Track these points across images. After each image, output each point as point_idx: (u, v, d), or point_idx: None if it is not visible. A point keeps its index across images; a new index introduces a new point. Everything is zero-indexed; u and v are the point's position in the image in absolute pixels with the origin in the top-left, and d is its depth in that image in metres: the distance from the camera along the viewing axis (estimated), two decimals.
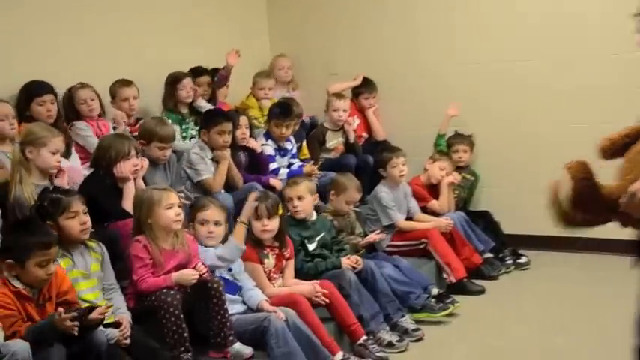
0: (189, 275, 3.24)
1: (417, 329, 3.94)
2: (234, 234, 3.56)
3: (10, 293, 2.80)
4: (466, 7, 5.44)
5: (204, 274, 3.27)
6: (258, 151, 4.63)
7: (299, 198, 4.02)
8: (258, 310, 3.49)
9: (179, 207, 3.38)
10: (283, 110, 4.83)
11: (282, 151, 4.89)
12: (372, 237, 4.43)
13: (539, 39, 5.18)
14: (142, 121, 4.43)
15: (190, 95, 4.84)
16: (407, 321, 3.99)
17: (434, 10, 5.54)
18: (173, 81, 4.82)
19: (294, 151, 4.96)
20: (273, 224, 3.72)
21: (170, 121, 4.54)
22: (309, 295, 3.62)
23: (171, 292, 3.16)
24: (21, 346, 2.60)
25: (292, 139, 4.99)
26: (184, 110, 4.87)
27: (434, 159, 5.21)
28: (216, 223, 3.60)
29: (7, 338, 2.69)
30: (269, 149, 4.80)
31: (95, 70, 4.54)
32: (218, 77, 5.14)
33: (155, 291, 3.18)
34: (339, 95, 5.36)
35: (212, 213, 3.59)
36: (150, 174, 3.94)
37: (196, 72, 5.07)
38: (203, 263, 3.37)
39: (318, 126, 5.43)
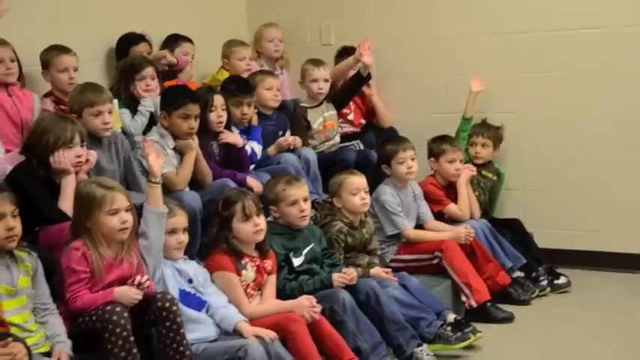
0: (132, 293, 3.25)
1: None
2: (148, 199, 3.54)
3: None
4: None
5: (146, 288, 3.29)
6: (240, 145, 4.67)
7: (305, 200, 4.07)
8: (235, 333, 3.51)
9: (127, 211, 3.39)
10: (241, 84, 4.89)
11: (249, 137, 4.90)
12: (381, 273, 4.33)
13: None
14: None
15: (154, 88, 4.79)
16: (424, 352, 4.02)
17: None
18: (130, 69, 4.78)
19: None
20: (264, 222, 3.79)
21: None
22: (301, 311, 3.64)
23: (117, 308, 3.17)
24: None
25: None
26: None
27: (438, 152, 5.17)
28: (184, 231, 3.66)
29: None
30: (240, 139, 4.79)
31: (18, 27, 4.52)
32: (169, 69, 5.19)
33: (94, 310, 3.19)
34: (317, 62, 5.38)
35: (180, 219, 3.65)
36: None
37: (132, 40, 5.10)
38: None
39: (296, 109, 5.46)
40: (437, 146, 5.19)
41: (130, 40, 5.11)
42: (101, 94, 4.11)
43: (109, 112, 4.11)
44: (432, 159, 5.21)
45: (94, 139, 4.03)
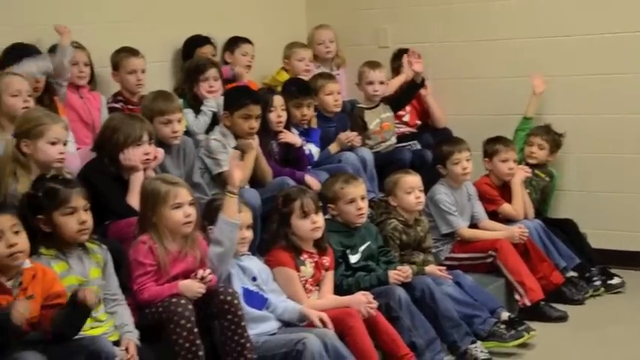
0: (195, 287, 3.31)
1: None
2: (224, 209, 3.55)
3: None
4: None
5: (209, 282, 3.34)
6: (298, 145, 4.72)
7: (363, 198, 4.11)
8: (300, 320, 3.57)
9: (191, 205, 3.46)
10: (301, 86, 4.94)
11: (308, 139, 4.94)
12: (436, 271, 4.34)
13: None
14: None
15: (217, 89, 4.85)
16: (478, 349, 4.04)
17: None
18: (195, 70, 4.85)
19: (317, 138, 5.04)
20: (322, 220, 3.83)
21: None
22: (358, 307, 3.68)
23: (182, 300, 3.24)
24: None
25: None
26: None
27: (491, 152, 5.17)
28: (249, 227, 3.70)
29: None
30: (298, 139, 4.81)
31: (90, 30, 4.65)
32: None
33: (160, 302, 3.26)
34: (373, 64, 5.43)
35: (245, 215, 3.68)
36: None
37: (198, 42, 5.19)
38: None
39: (354, 109, 5.50)
40: (490, 146, 5.20)
41: (195, 42, 5.20)
42: (171, 103, 4.15)
43: (179, 121, 4.14)
44: (486, 159, 5.22)
45: (163, 145, 4.08)
